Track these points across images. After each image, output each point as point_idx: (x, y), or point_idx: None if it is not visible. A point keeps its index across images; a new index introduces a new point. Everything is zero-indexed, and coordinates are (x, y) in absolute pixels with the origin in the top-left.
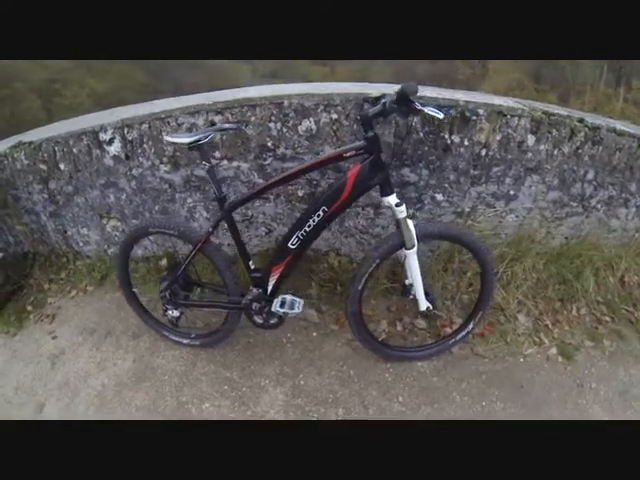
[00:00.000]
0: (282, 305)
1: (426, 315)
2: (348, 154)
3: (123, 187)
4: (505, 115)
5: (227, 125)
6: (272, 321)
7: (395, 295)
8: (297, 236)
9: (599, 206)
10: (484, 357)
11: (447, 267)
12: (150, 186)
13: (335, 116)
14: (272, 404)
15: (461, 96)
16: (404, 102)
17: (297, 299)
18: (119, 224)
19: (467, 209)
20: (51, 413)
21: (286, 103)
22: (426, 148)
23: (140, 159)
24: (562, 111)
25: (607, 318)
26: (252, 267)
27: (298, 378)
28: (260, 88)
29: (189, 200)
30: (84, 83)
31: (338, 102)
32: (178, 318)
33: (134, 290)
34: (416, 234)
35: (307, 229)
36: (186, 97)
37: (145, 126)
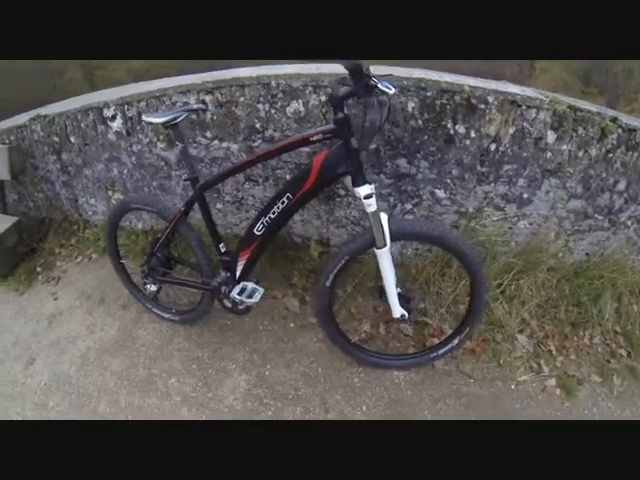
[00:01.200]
0: (241, 292)
1: (416, 321)
2: (314, 138)
3: (125, 162)
4: (520, 106)
5: (196, 105)
6: (240, 307)
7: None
8: (262, 222)
9: (629, 223)
10: (470, 377)
11: (445, 271)
12: (148, 162)
13: (324, 98)
14: (233, 390)
15: (469, 81)
16: (359, 78)
17: (259, 288)
18: (122, 197)
19: (472, 210)
20: (39, 368)
21: (273, 83)
22: (425, 137)
23: (139, 136)
24: (592, 107)
25: (623, 352)
26: (222, 250)
27: (265, 368)
28: (252, 69)
29: (184, 178)
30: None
31: (327, 83)
32: (156, 293)
33: (122, 261)
34: (390, 232)
35: (272, 216)
36: (180, 77)
37: (143, 104)
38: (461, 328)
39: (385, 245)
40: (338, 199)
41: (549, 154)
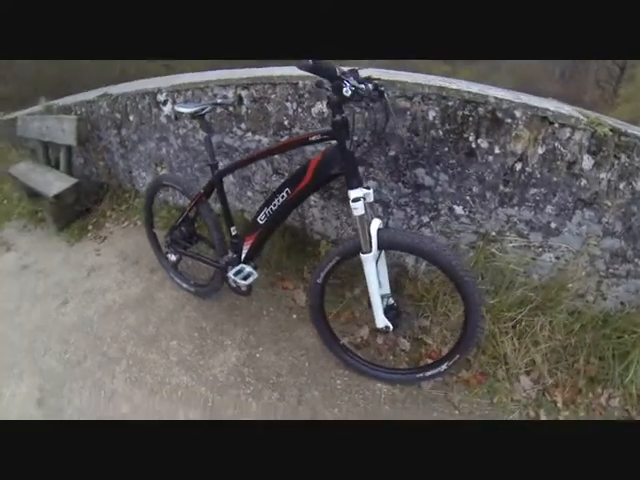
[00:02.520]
0: (237, 273)
1: (415, 339)
2: (313, 138)
3: (172, 143)
4: (552, 123)
5: (220, 100)
6: (243, 288)
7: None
8: (265, 213)
9: None
10: (455, 408)
11: (456, 293)
12: (191, 146)
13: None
14: (223, 363)
15: (496, 92)
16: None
17: (254, 273)
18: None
19: (492, 233)
20: (70, 309)
21: (301, 84)
22: (445, 149)
23: (185, 121)
24: None
25: None
26: (233, 233)
27: (257, 350)
28: (286, 68)
29: (220, 164)
30: None
31: None
32: (176, 262)
33: (154, 231)
34: (379, 240)
35: (273, 207)
36: (220, 71)
37: (189, 93)
38: (451, 354)
39: (370, 251)
40: None
41: (584, 181)
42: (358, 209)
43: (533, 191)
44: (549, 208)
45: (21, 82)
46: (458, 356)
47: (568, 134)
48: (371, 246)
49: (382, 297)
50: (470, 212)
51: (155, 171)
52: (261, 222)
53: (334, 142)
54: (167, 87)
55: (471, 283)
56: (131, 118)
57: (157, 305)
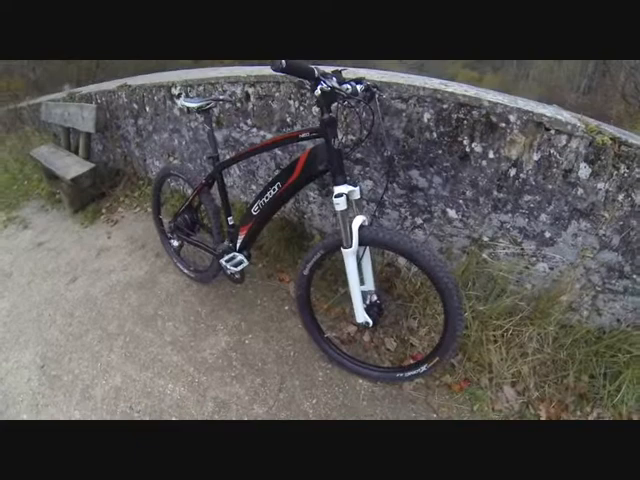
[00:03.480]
0: (229, 260)
1: (402, 339)
2: (303, 135)
3: (184, 135)
4: (548, 129)
5: (222, 97)
6: (236, 275)
7: (388, 303)
8: (258, 204)
9: None
10: (434, 412)
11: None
12: (201, 138)
13: (346, 102)
14: (212, 346)
15: (491, 96)
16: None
17: (244, 261)
18: (179, 163)
19: (485, 238)
20: (77, 286)
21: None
22: (439, 152)
23: (196, 114)
24: None
25: None
26: (230, 223)
27: (247, 337)
28: None
29: (227, 157)
30: None
31: None
32: (178, 248)
33: (161, 217)
34: (360, 236)
35: (265, 200)
36: (231, 68)
37: (201, 88)
38: (431, 356)
39: (350, 246)
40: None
41: (580, 191)
42: (340, 204)
43: (527, 198)
44: (543, 216)
45: (51, 68)
46: (437, 359)
47: (564, 141)
48: (352, 242)
49: (366, 293)
50: (463, 216)
51: (167, 161)
52: (255, 213)
53: (321, 139)
54: (181, 81)
55: (450, 285)
56: (147, 109)
57: (158, 288)
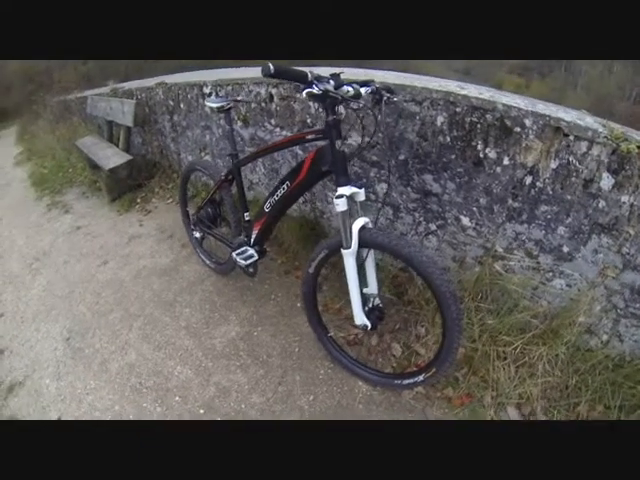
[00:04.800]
0: (240, 254)
1: (409, 346)
2: (309, 137)
3: (214, 132)
4: (567, 135)
5: (240, 97)
6: (250, 269)
7: (398, 308)
8: (269, 202)
9: None
10: None
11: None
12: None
13: (362, 104)
14: (222, 335)
15: (502, 97)
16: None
17: (255, 255)
18: (209, 159)
19: (499, 249)
20: (107, 268)
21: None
22: (453, 156)
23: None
24: None
25: None
26: (246, 218)
27: (256, 329)
28: (316, 69)
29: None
30: None
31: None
32: (201, 240)
33: (187, 209)
34: (360, 238)
35: (276, 198)
36: (257, 69)
37: (229, 88)
38: (429, 366)
39: (349, 247)
40: (369, 202)
41: (602, 203)
42: (340, 205)
43: (544, 208)
44: (561, 229)
45: (102, 62)
46: (434, 370)
47: (585, 148)
48: (351, 242)
49: (369, 296)
50: (477, 224)
51: (199, 156)
52: (267, 210)
53: (326, 141)
54: (212, 81)
55: (448, 294)
56: (181, 106)
57: (180, 276)
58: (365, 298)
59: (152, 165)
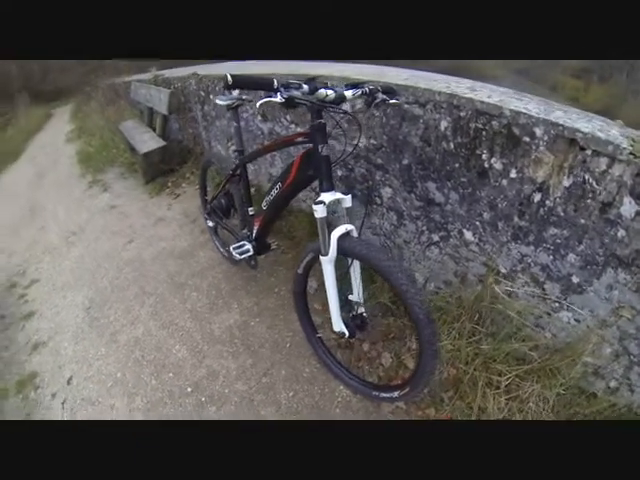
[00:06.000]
0: (237, 247)
1: (398, 358)
2: (297, 139)
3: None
4: (584, 149)
5: (244, 96)
6: (252, 262)
7: (396, 317)
8: (266, 200)
9: None
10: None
11: (454, 325)
12: (251, 129)
13: (341, 109)
14: (223, 322)
15: (511, 102)
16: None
17: (250, 250)
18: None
19: (503, 269)
20: (132, 247)
21: (329, 84)
22: (456, 165)
23: (247, 107)
24: None
25: None
26: (250, 213)
27: (254, 320)
28: (331, 66)
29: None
30: None
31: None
32: (214, 229)
33: (206, 198)
34: (338, 246)
35: (271, 197)
36: (276, 62)
37: None
38: (404, 384)
39: (327, 254)
40: (375, 206)
41: (621, 232)
42: (318, 212)
43: (553, 231)
44: (572, 257)
45: None
46: (408, 389)
47: (604, 166)
48: (329, 250)
49: (354, 304)
50: (480, 240)
51: (226, 145)
52: (264, 207)
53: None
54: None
55: (422, 316)
56: (211, 97)
57: (195, 260)
58: (351, 306)
59: (187, 151)
